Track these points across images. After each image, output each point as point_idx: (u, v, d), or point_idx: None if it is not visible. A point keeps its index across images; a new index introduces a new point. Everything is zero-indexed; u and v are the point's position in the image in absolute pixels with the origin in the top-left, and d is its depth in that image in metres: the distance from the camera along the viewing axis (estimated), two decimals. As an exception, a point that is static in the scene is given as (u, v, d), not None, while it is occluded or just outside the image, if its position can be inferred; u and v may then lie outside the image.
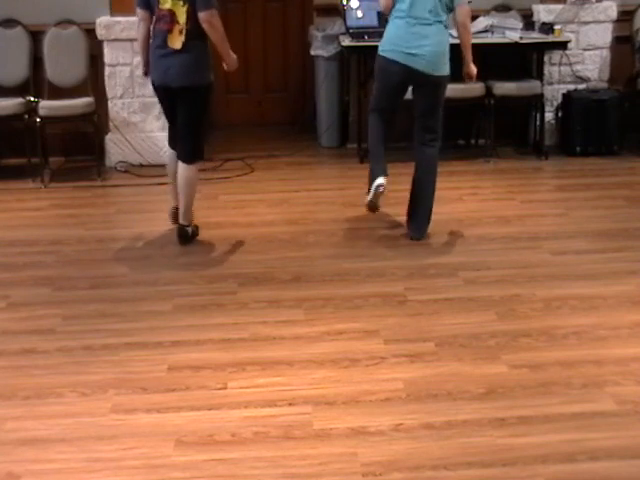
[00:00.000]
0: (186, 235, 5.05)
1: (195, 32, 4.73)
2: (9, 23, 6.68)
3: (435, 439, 3.06)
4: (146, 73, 5.05)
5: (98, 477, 2.90)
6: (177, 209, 5.13)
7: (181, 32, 4.73)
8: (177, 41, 4.74)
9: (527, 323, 3.96)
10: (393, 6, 4.91)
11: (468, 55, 5.00)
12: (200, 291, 4.41)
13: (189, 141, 4.96)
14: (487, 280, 4.46)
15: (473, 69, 5.06)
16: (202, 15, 4.68)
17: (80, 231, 5.37)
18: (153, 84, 4.98)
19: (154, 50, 4.86)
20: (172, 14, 4.71)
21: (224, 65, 5.00)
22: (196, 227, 5.15)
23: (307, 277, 4.55)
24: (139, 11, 4.90)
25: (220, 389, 3.43)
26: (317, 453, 2.99)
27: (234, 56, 4.98)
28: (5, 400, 3.38)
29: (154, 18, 4.82)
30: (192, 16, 4.70)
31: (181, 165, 4.98)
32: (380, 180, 4.96)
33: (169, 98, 4.92)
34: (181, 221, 5.05)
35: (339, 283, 4.47)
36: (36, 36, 6.67)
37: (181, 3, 4.70)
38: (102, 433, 3.14)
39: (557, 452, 2.96)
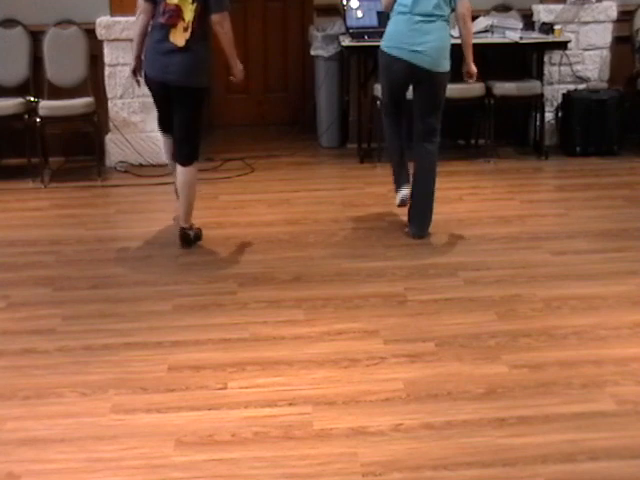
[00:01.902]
0: (188, 238, 4.97)
1: (201, 33, 4.68)
2: (9, 23, 6.69)
3: (435, 439, 3.06)
4: (136, 70, 4.92)
5: (98, 477, 2.90)
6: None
7: (185, 29, 4.64)
8: (180, 38, 4.66)
9: (527, 323, 3.96)
10: (394, 2, 4.89)
11: (469, 53, 4.98)
12: (200, 291, 4.41)
13: (187, 143, 4.86)
14: (487, 280, 4.46)
15: (473, 68, 5.05)
16: (215, 17, 4.63)
17: (80, 231, 5.37)
18: (147, 77, 4.86)
19: (153, 44, 4.75)
20: (179, 10, 4.62)
21: (231, 77, 4.95)
22: (199, 229, 5.11)
23: (307, 277, 4.55)
24: (142, 2, 4.76)
25: (220, 389, 3.43)
26: (317, 453, 2.99)
27: (240, 66, 4.91)
28: (5, 400, 3.38)
29: (158, 10, 4.69)
30: (200, 16, 4.64)
31: (180, 168, 4.90)
32: (404, 192, 5.11)
33: (165, 94, 4.82)
34: (182, 224, 4.97)
35: (339, 283, 4.47)
36: (36, 36, 6.67)
37: (190, 0, 4.61)
38: (102, 433, 3.14)
39: (557, 452, 2.96)
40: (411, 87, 5.01)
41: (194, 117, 4.85)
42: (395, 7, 4.90)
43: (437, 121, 4.99)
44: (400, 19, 4.86)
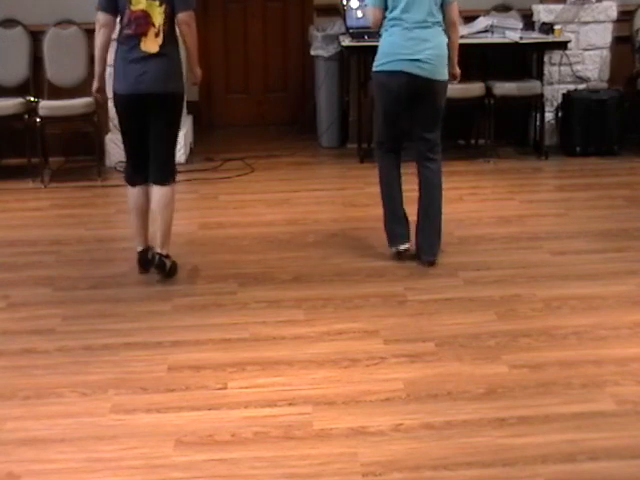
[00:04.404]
0: (164, 266, 4.49)
1: (173, 36, 4.40)
2: (9, 23, 6.69)
3: (435, 439, 3.06)
4: (100, 89, 4.53)
5: (98, 477, 2.90)
6: (146, 251, 4.58)
7: (157, 35, 4.32)
8: (153, 44, 4.33)
9: (527, 323, 3.96)
10: (384, 18, 4.63)
11: (455, 56, 4.76)
12: (200, 291, 4.41)
13: (166, 159, 4.49)
14: (487, 280, 4.45)
15: (458, 70, 4.82)
16: (182, 16, 4.33)
17: (80, 231, 5.37)
18: (116, 95, 4.46)
19: (122, 56, 4.40)
20: (147, 15, 4.30)
21: (192, 78, 4.64)
22: (175, 263, 4.60)
23: (307, 277, 4.55)
24: (102, 15, 4.42)
25: (220, 389, 3.43)
26: (317, 453, 2.99)
27: (200, 71, 4.61)
28: (5, 400, 3.38)
29: (123, 22, 4.37)
30: (170, 18, 4.34)
31: (157, 188, 4.47)
32: (403, 246, 4.70)
33: (139, 111, 4.40)
34: (160, 250, 4.49)
35: (339, 283, 4.46)
36: (36, 36, 6.68)
37: (157, 3, 4.30)
38: (102, 433, 3.14)
39: (557, 452, 2.96)
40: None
41: (173, 130, 4.54)
42: (385, 23, 4.63)
43: (438, 135, 4.71)
44: (394, 31, 4.58)
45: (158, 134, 4.45)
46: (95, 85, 4.55)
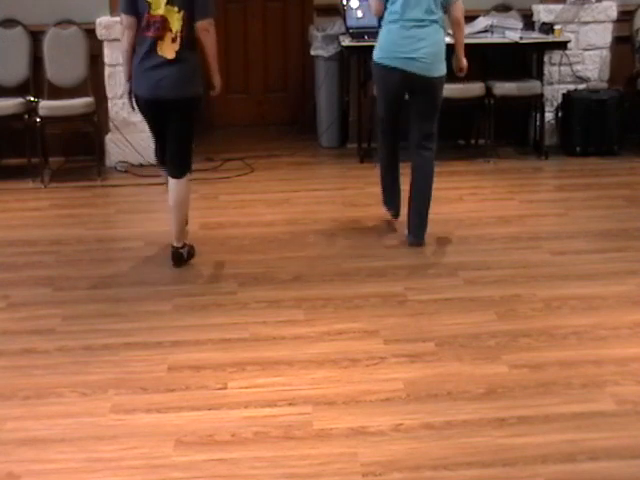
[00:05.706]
0: (181, 257, 4.74)
1: (189, 41, 4.47)
2: (9, 23, 6.69)
3: (435, 439, 3.06)
4: (132, 91, 4.63)
5: (98, 477, 2.90)
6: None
7: (174, 40, 4.42)
8: (170, 50, 4.43)
9: (527, 323, 3.96)
10: (385, 9, 4.80)
11: (461, 51, 4.92)
12: (200, 291, 4.42)
13: (182, 156, 4.67)
14: (487, 280, 4.46)
15: (465, 62, 4.96)
16: (202, 23, 4.43)
17: (80, 231, 5.37)
18: (137, 96, 4.60)
19: (140, 60, 4.50)
20: (164, 20, 4.40)
21: (211, 91, 4.73)
22: (192, 247, 4.87)
23: (307, 277, 4.55)
24: (125, 17, 4.50)
25: (220, 389, 3.43)
26: (317, 453, 2.99)
27: (220, 80, 4.70)
28: (5, 400, 3.39)
29: (142, 24, 4.45)
30: (188, 24, 4.43)
31: (173, 182, 4.68)
32: (391, 213, 5.25)
33: (159, 113, 4.58)
34: (175, 244, 4.74)
35: (339, 283, 4.47)
36: (36, 36, 6.67)
37: (176, 9, 4.39)
38: (102, 433, 3.14)
39: (557, 452, 2.96)
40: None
41: (189, 127, 4.66)
42: (386, 16, 4.80)
43: (434, 127, 4.89)
44: (392, 28, 4.76)
45: (175, 134, 4.61)
46: (127, 87, 4.67)
